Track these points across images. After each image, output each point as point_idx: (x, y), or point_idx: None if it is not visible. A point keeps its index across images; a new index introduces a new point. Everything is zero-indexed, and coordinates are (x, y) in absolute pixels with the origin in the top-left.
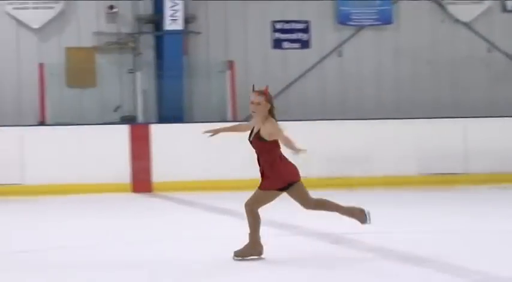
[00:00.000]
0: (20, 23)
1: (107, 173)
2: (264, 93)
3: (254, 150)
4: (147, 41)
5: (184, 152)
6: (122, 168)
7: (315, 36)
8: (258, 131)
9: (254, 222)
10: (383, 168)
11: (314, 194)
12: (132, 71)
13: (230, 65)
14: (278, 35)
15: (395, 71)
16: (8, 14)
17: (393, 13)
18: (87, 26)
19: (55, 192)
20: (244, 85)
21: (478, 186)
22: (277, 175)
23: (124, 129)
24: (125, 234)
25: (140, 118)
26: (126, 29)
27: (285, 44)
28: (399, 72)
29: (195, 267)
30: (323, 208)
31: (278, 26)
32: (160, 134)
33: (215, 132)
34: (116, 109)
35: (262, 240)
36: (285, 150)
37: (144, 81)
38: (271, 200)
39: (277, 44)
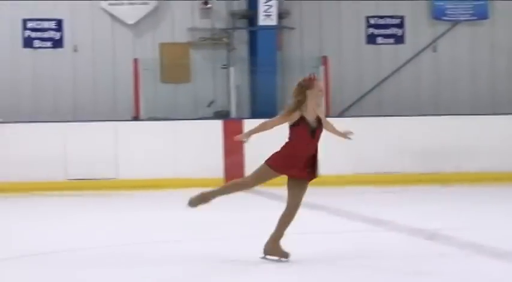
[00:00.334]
0: (115, 18)
1: (200, 167)
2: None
3: (310, 138)
4: (241, 37)
5: (277, 147)
6: (215, 163)
7: (409, 31)
8: (318, 117)
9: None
10: (476, 164)
11: (407, 189)
12: (225, 67)
13: (324, 60)
14: (372, 30)
15: (490, 66)
16: (104, 10)
17: (489, 8)
18: (181, 22)
19: (149, 187)
20: (338, 81)
21: None
22: None
23: (217, 125)
24: (220, 229)
25: (233, 113)
26: (220, 25)
27: (379, 39)
28: (494, 67)
29: (298, 262)
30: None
31: (372, 21)
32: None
33: (247, 136)
34: (210, 104)
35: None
36: None
37: (237, 76)
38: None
39: (371, 39)
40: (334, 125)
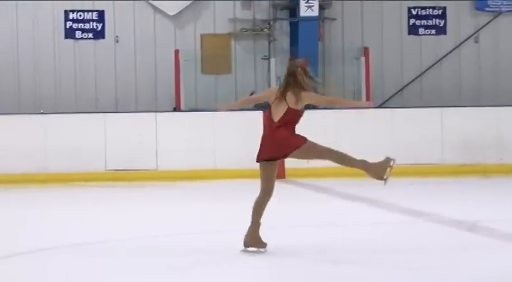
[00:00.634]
0: (156, 10)
1: (240, 159)
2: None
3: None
4: (282, 28)
5: (317, 138)
6: (254, 155)
7: (451, 22)
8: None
9: None
10: None
11: (448, 180)
12: (266, 58)
13: (365, 51)
14: (414, 21)
15: None
16: (145, 1)
17: None
18: (222, 13)
19: (188, 178)
20: (380, 71)
21: None
22: None
23: (257, 116)
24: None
25: None
26: (261, 16)
27: (421, 30)
28: None
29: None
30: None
31: (414, 12)
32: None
33: (227, 106)
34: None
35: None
36: None
37: (278, 67)
38: None
39: (413, 30)
40: (340, 98)
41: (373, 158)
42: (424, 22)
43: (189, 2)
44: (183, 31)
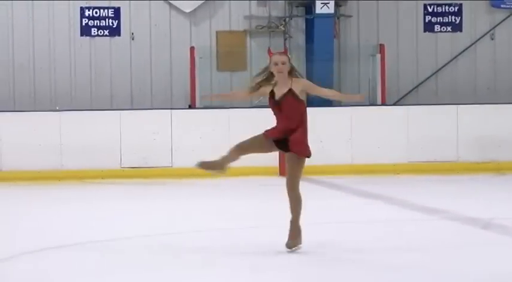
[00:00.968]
0: (172, 7)
1: (256, 155)
2: (285, 52)
3: (279, 112)
4: (298, 25)
5: (331, 136)
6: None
7: (467, 19)
8: (290, 90)
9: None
10: None
11: (463, 178)
12: None
13: (381, 48)
14: (429, 18)
15: None
16: None
17: None
18: (238, 10)
19: (204, 175)
20: (395, 69)
21: None
22: (306, 141)
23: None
24: (278, 218)
25: None
26: (276, 13)
27: (436, 27)
28: None
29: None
30: (291, 205)
31: (430, 8)
32: (309, 118)
33: (214, 97)
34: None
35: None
36: None
37: (294, 64)
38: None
39: (429, 27)
40: (333, 91)
41: (386, 156)
42: (440, 19)
43: None
44: (199, 28)
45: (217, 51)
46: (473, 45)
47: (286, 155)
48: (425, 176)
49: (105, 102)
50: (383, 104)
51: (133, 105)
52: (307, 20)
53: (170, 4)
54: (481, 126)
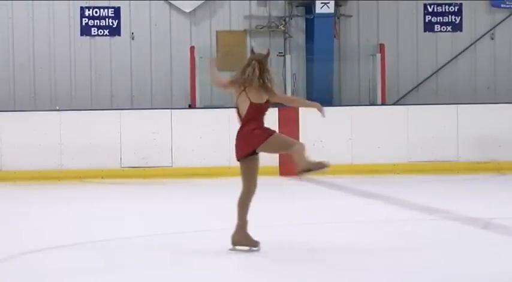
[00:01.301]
0: (172, 6)
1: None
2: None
3: (255, 115)
4: (298, 25)
5: (332, 136)
6: None
7: (467, 19)
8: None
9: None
10: None
11: (463, 177)
12: (282, 55)
13: (381, 48)
14: (429, 18)
15: None
16: None
17: None
18: (238, 10)
19: (204, 175)
20: (395, 68)
21: None
22: (242, 141)
23: (273, 113)
24: (279, 218)
25: None
26: (276, 13)
27: (437, 27)
28: None
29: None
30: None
31: (430, 8)
32: (309, 118)
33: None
34: None
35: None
36: None
37: (294, 64)
38: None
39: (429, 26)
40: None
41: (386, 156)
42: (440, 19)
43: None
44: (199, 28)
45: (217, 51)
46: (473, 45)
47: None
48: (425, 175)
49: (105, 102)
50: (383, 103)
51: (133, 105)
52: (307, 20)
53: (170, 4)
54: (481, 126)
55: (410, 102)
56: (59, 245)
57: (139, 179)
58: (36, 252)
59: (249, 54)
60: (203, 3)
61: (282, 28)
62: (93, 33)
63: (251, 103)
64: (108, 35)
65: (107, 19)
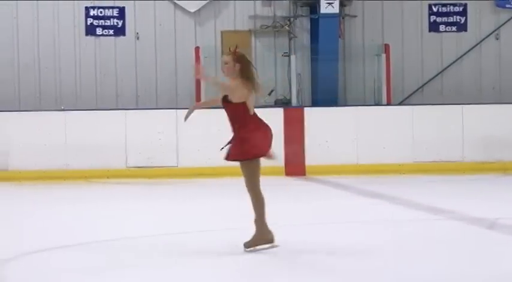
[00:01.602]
0: (177, 6)
1: None
2: (233, 52)
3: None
4: (303, 25)
5: (337, 136)
6: (275, 151)
7: (472, 19)
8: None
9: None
10: None
11: (470, 178)
12: (287, 55)
13: (386, 48)
14: (434, 18)
15: None
16: None
17: None
18: (242, 10)
19: (209, 175)
20: (400, 68)
21: None
22: (242, 144)
23: (278, 113)
24: (284, 218)
25: (294, 101)
26: (281, 13)
27: (442, 27)
28: None
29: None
30: (253, 202)
31: (435, 8)
32: (314, 118)
33: (189, 112)
34: (270, 93)
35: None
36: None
37: (298, 64)
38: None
39: (434, 27)
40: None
41: (391, 155)
42: (444, 19)
43: None
44: (204, 28)
45: (222, 51)
46: (478, 45)
47: None
48: (431, 176)
49: (111, 101)
50: (388, 104)
51: (138, 105)
52: (312, 20)
53: (175, 4)
54: (486, 126)
55: (415, 102)
56: (63, 244)
57: (144, 179)
58: (41, 252)
59: (254, 55)
60: (208, 3)
61: (287, 28)
62: (98, 33)
63: (227, 104)
64: (113, 35)
65: (111, 19)
